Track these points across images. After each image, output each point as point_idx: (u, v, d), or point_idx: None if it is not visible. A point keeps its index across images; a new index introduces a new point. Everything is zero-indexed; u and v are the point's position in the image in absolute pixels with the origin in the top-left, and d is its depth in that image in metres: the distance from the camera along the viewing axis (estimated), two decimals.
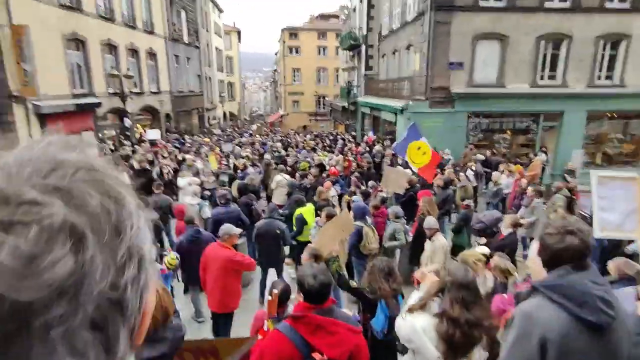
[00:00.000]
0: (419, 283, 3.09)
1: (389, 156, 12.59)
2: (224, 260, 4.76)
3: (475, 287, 2.65)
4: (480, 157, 13.13)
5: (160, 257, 4.31)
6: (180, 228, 6.33)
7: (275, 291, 2.62)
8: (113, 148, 16.41)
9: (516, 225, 5.61)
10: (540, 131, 16.05)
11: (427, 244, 5.55)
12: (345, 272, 3.78)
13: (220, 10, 45.41)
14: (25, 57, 13.08)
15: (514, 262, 4.70)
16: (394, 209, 6.66)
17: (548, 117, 15.83)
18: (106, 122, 19.70)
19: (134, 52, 21.68)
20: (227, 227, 4.98)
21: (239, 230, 5.06)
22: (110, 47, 19.27)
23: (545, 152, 14.54)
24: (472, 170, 11.36)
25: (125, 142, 17.24)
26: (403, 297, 3.49)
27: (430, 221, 5.54)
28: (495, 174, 10.03)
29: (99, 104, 17.68)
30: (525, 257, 8.18)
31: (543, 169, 13.47)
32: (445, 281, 2.70)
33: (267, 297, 2.50)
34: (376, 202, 7.25)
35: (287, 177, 10.05)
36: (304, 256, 4.33)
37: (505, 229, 5.73)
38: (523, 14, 14.68)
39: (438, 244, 5.33)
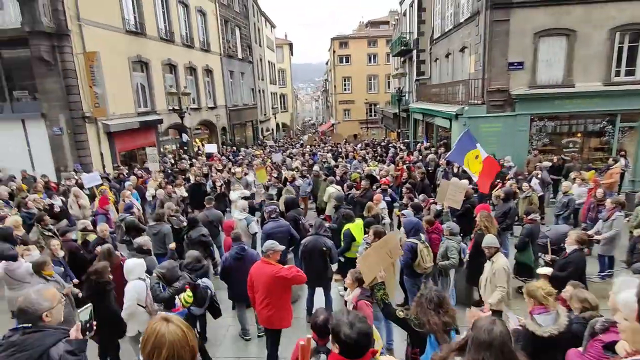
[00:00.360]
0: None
1: (443, 165, 11.93)
2: (268, 276, 4.66)
3: (506, 349, 2.09)
4: (547, 163, 12.01)
5: (177, 293, 4.27)
6: (228, 243, 6.37)
7: (309, 337, 2.39)
8: (173, 162, 17.33)
9: (583, 242, 4.89)
10: (617, 133, 14.40)
11: (487, 265, 5.03)
12: (390, 301, 3.42)
13: (273, 26, 46.92)
14: (96, 81, 14.30)
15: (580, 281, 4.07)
16: (449, 225, 6.19)
17: (626, 116, 14.16)
18: (167, 137, 21.01)
19: (191, 69, 22.95)
20: (270, 243, 4.91)
21: (282, 247, 4.95)
22: (170, 67, 20.57)
23: (625, 156, 12.96)
24: (537, 178, 10.39)
25: (184, 156, 18.16)
26: (457, 332, 3.09)
27: (490, 239, 5.01)
28: (565, 183, 9.05)
29: (160, 121, 18.88)
30: (602, 277, 7.25)
31: (622, 176, 12.03)
32: (466, 337, 2.25)
33: (300, 342, 2.27)
34: (430, 216, 6.80)
35: (338, 188, 9.88)
36: (347, 280, 4.09)
37: (569, 246, 5.05)
38: (592, 6, 13.35)
39: (498, 265, 4.80)
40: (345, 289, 4.39)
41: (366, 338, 2.07)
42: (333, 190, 9.70)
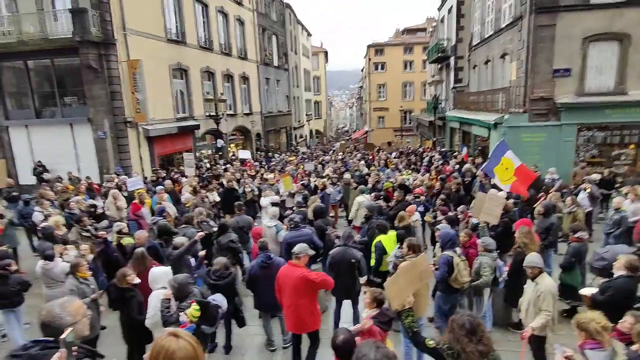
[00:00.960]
0: None
1: (480, 176, 11.43)
2: (297, 279, 4.60)
3: None
4: (596, 176, 11.19)
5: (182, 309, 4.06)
6: (256, 250, 6.33)
7: None
8: (209, 166, 17.72)
9: (633, 268, 4.36)
10: None
11: (529, 286, 4.63)
12: (418, 329, 3.11)
13: (309, 34, 47.44)
14: (138, 87, 14.92)
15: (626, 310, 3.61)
16: (484, 240, 5.81)
17: None
18: (204, 142, 21.57)
19: (229, 77, 23.53)
20: (300, 246, 4.87)
21: (312, 252, 4.88)
22: (209, 74, 21.17)
23: None
24: (585, 192, 9.68)
25: (220, 161, 18.54)
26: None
27: (533, 258, 4.60)
28: (617, 199, 8.34)
29: (197, 126, 19.42)
30: None
31: None
32: None
33: None
34: (467, 230, 6.43)
35: (368, 197, 9.63)
36: (366, 299, 3.87)
37: (616, 270, 4.55)
38: None
39: (544, 287, 4.37)
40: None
41: None
42: (362, 199, 9.46)
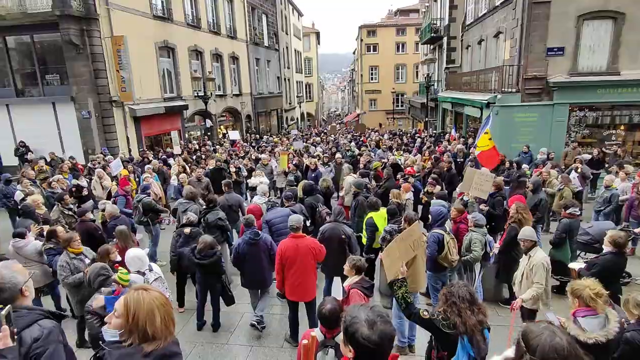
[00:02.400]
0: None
1: (473, 155, 11.36)
2: (309, 247, 4.77)
3: None
4: (587, 156, 11.21)
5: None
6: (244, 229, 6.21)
7: (313, 334, 2.09)
8: (197, 147, 17.40)
9: (618, 245, 4.31)
10: None
11: (523, 260, 4.60)
12: (412, 299, 3.03)
13: (300, 14, 46.36)
14: (123, 65, 14.43)
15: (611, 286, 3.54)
16: (474, 216, 5.74)
17: None
18: (193, 123, 21.15)
19: (218, 56, 22.94)
20: (296, 217, 4.94)
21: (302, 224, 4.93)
22: (197, 53, 20.59)
23: None
24: (577, 172, 9.68)
25: (208, 142, 18.21)
26: (489, 330, 2.74)
27: (527, 232, 4.56)
28: (608, 177, 8.34)
29: (186, 107, 18.98)
30: None
31: None
32: (521, 353, 1.79)
33: (303, 341, 1.99)
34: (459, 205, 6.35)
35: (355, 175, 9.50)
36: (346, 267, 3.78)
37: (604, 247, 4.52)
38: None
39: (537, 260, 4.34)
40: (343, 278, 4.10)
41: (390, 342, 1.68)
42: (352, 179, 9.34)
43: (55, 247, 5.23)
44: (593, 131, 14.04)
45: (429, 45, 29.71)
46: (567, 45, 13.14)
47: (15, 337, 1.98)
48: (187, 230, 5.91)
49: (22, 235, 5.25)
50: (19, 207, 7.67)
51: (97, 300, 3.41)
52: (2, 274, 2.25)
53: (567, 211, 6.12)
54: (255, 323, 5.30)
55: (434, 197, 7.32)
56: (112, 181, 10.01)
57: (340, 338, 1.88)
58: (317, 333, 2.41)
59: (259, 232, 5.30)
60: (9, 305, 1.99)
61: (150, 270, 4.42)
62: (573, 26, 12.96)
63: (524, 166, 10.45)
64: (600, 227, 5.88)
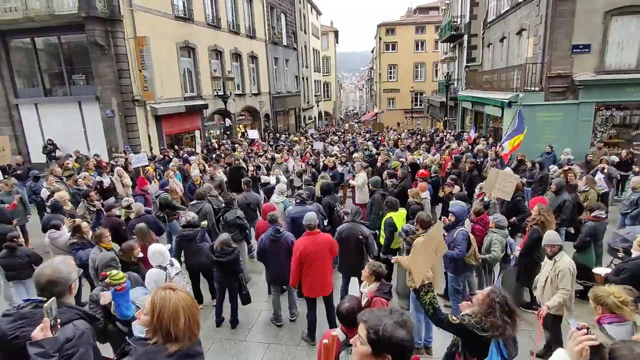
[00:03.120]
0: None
1: (492, 155, 11.14)
2: (327, 243, 4.91)
3: None
4: (614, 157, 10.83)
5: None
6: (259, 227, 6.28)
7: (334, 333, 2.09)
8: (216, 146, 17.65)
9: None
10: None
11: (547, 264, 4.47)
12: (439, 305, 2.95)
13: (319, 13, 46.34)
14: (145, 65, 14.75)
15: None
16: (496, 217, 5.65)
17: None
18: (212, 122, 21.45)
19: (237, 56, 23.18)
20: (310, 215, 4.97)
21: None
22: (217, 53, 20.85)
23: None
24: (602, 173, 9.37)
25: (225, 140, 18.45)
26: None
27: (552, 236, 4.43)
28: (635, 179, 8.06)
29: (205, 106, 19.27)
30: None
31: None
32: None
33: (324, 340, 2.00)
34: (478, 206, 6.25)
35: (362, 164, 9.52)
36: (365, 273, 3.74)
37: (634, 251, 4.36)
38: None
39: (563, 265, 4.22)
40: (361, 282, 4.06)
41: (412, 345, 1.67)
42: (364, 176, 9.31)
43: (79, 242, 5.41)
44: (620, 131, 13.58)
45: (448, 43, 29.28)
46: (594, 42, 12.73)
47: (56, 330, 2.05)
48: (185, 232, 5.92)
49: (57, 227, 5.47)
50: (47, 203, 7.97)
51: (105, 297, 3.44)
52: (60, 268, 2.34)
53: (592, 214, 5.94)
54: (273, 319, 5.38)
55: (454, 198, 7.22)
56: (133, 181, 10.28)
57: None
58: (339, 333, 2.42)
59: (280, 229, 5.34)
60: (53, 298, 2.08)
61: (172, 264, 4.52)
62: (600, 22, 12.55)
63: (553, 167, 10.04)
64: (637, 232, 5.64)
